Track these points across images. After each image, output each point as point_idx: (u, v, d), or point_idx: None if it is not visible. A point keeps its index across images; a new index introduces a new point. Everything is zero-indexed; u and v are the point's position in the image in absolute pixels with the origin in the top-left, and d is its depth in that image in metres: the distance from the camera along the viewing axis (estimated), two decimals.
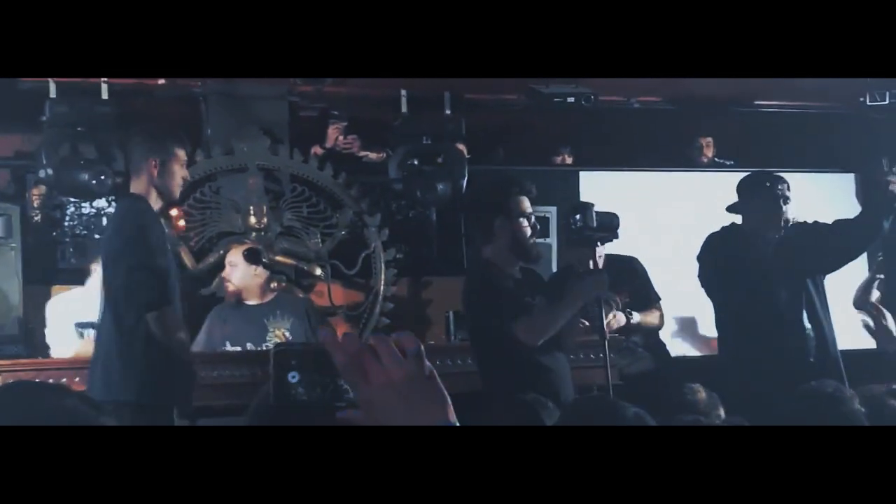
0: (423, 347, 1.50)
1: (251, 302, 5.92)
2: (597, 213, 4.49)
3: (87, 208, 6.76)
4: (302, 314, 5.91)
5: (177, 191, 4.57)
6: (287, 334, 5.83)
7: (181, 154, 4.55)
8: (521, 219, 4.31)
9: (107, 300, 4.37)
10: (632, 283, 5.97)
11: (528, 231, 4.33)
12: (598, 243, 4.49)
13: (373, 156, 7.54)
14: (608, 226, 4.46)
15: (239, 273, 5.91)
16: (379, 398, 1.46)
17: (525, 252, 4.37)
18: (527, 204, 4.35)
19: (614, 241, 4.63)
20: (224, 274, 6.01)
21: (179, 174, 4.53)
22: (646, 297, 6.06)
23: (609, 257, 6.07)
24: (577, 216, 4.44)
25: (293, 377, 1.49)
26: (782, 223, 4.97)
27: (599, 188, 7.58)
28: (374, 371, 1.47)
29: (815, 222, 5.06)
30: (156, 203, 4.47)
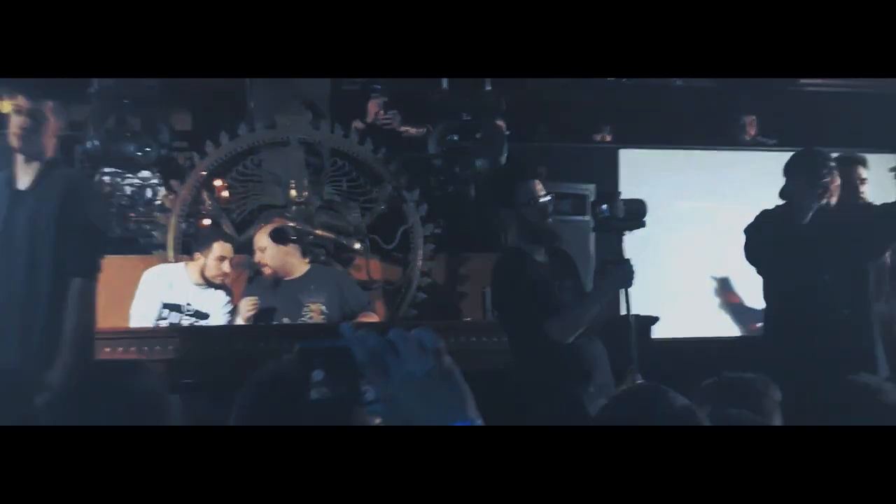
0: (443, 343, 1.51)
1: (286, 278, 5.97)
2: (624, 201, 4.49)
3: (132, 179, 6.83)
4: (335, 288, 5.96)
5: (48, 149, 4.33)
6: (323, 308, 5.88)
7: (50, 107, 4.35)
8: (529, 205, 4.28)
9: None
10: None
11: (540, 214, 4.29)
12: (626, 231, 4.42)
13: (412, 131, 7.56)
14: (635, 214, 4.43)
15: (269, 254, 5.96)
16: (399, 394, 1.48)
17: (540, 236, 4.34)
18: (533, 188, 4.31)
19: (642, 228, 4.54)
20: (257, 259, 6.05)
21: (50, 129, 4.33)
22: None
23: None
24: (604, 206, 4.46)
25: (318, 375, 1.51)
26: (826, 202, 4.93)
27: (639, 166, 7.56)
28: (395, 366, 1.48)
29: (867, 204, 5.01)
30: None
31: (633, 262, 4.28)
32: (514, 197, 4.31)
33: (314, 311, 5.87)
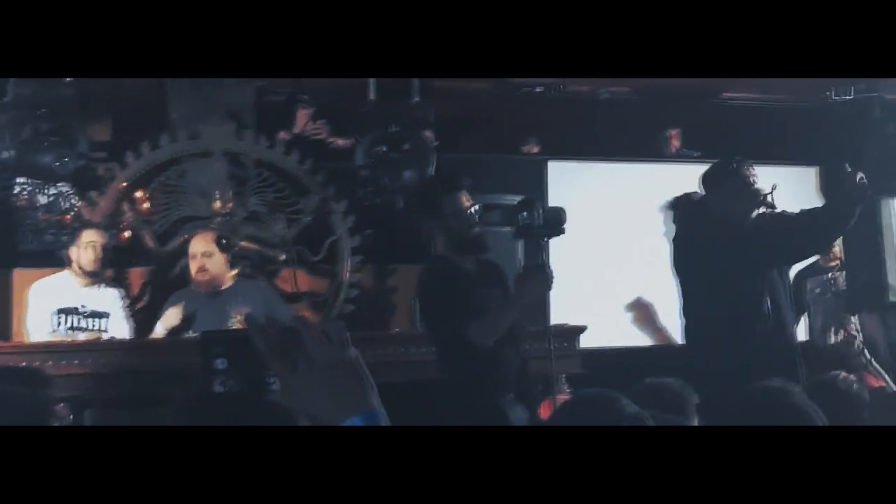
0: (348, 333, 1.50)
1: (213, 289, 5.88)
2: (543, 209, 4.53)
3: (49, 189, 6.70)
4: (261, 301, 5.89)
5: None
6: None
7: None
8: (456, 216, 4.31)
9: None
10: None
11: (466, 225, 4.32)
12: (545, 239, 4.46)
13: (340, 142, 7.52)
14: (554, 221, 4.47)
15: (215, 260, 5.88)
16: (303, 382, 1.47)
17: (467, 246, 4.36)
18: (459, 199, 4.34)
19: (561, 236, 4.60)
20: (198, 265, 5.93)
21: None
22: None
23: None
24: (524, 213, 4.47)
25: (221, 363, 1.49)
26: (752, 206, 4.99)
27: (567, 177, 7.60)
28: (299, 356, 1.47)
29: (783, 212, 5.08)
30: None
31: (552, 268, 4.32)
32: (440, 208, 4.34)
33: (240, 323, 5.79)
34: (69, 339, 5.58)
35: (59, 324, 5.67)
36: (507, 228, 6.67)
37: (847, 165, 4.78)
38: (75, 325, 5.68)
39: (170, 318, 5.70)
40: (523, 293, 4.31)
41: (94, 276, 5.83)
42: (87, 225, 6.00)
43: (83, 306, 5.74)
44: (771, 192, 4.97)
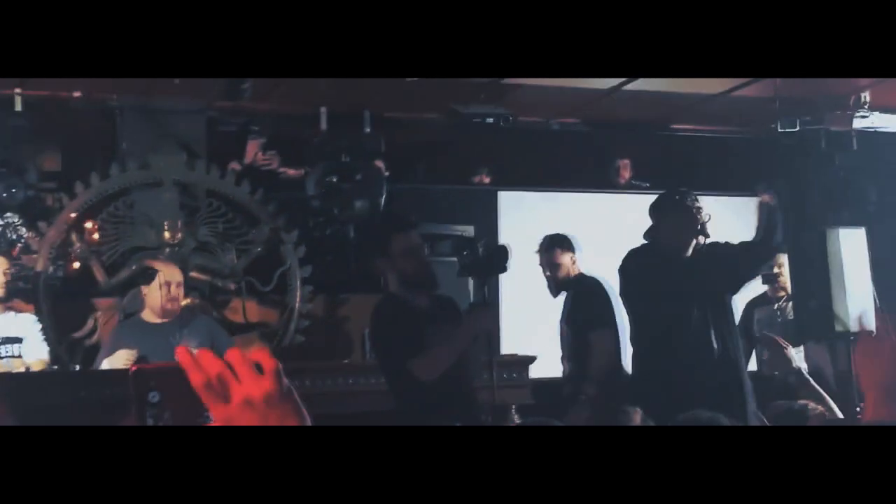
0: (280, 365, 1.50)
1: (158, 320, 5.82)
2: (485, 246, 4.65)
3: None
4: (206, 334, 5.84)
5: None
6: (193, 352, 5.72)
7: None
8: (405, 255, 4.36)
9: None
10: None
11: (416, 265, 4.37)
12: (488, 275, 4.53)
13: (291, 172, 7.50)
14: (496, 260, 4.53)
15: (182, 289, 5.83)
16: (237, 416, 1.46)
17: (417, 283, 4.39)
18: (409, 237, 4.40)
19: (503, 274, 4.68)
20: (172, 294, 5.82)
21: None
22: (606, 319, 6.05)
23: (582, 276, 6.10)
24: (465, 251, 4.60)
25: (153, 397, 1.48)
26: (696, 237, 5.07)
27: (518, 208, 7.64)
28: (232, 388, 1.46)
29: (726, 243, 5.15)
30: None
31: (497, 304, 4.33)
32: (390, 246, 4.38)
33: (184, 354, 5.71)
34: None
35: None
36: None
37: (763, 194, 4.89)
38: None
39: (119, 354, 5.59)
40: (470, 328, 4.36)
41: (10, 309, 5.76)
42: None
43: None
44: (705, 223, 5.07)
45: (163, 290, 5.75)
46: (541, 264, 6.15)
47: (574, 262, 6.15)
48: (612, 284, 5.40)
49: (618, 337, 5.96)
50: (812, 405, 5.25)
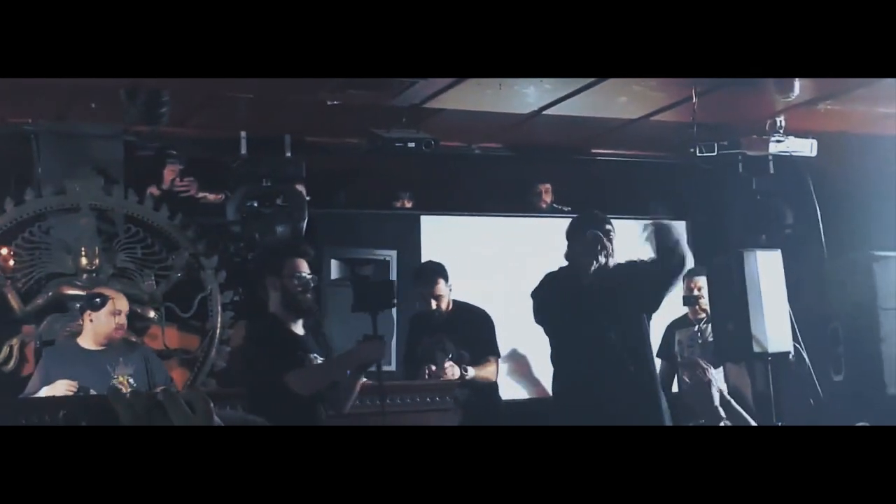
0: (212, 404, 1.50)
1: (96, 347, 5.72)
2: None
3: None
4: (140, 361, 5.76)
5: None
6: (131, 381, 5.65)
7: None
8: (293, 279, 4.59)
9: None
10: (477, 335, 6.13)
11: (299, 290, 4.60)
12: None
13: (211, 197, 7.43)
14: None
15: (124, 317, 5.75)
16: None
17: (295, 309, 4.61)
18: (299, 266, 4.65)
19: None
20: (117, 323, 5.75)
21: None
22: (486, 350, 6.18)
23: (460, 305, 6.18)
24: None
25: None
26: (603, 261, 5.14)
27: (440, 232, 7.64)
28: (162, 426, 1.46)
29: (639, 260, 5.23)
30: None
31: (383, 338, 4.63)
32: (280, 269, 4.62)
33: (122, 384, 5.62)
34: None
35: None
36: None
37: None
38: None
39: (59, 384, 5.45)
40: (356, 357, 4.60)
41: None
42: None
43: None
44: (611, 245, 5.15)
45: (114, 318, 5.71)
46: (423, 295, 6.17)
47: (450, 291, 6.22)
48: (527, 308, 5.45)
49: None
50: (729, 424, 5.35)
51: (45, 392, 5.45)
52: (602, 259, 5.16)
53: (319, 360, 4.67)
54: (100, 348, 5.72)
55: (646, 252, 5.15)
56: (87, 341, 5.74)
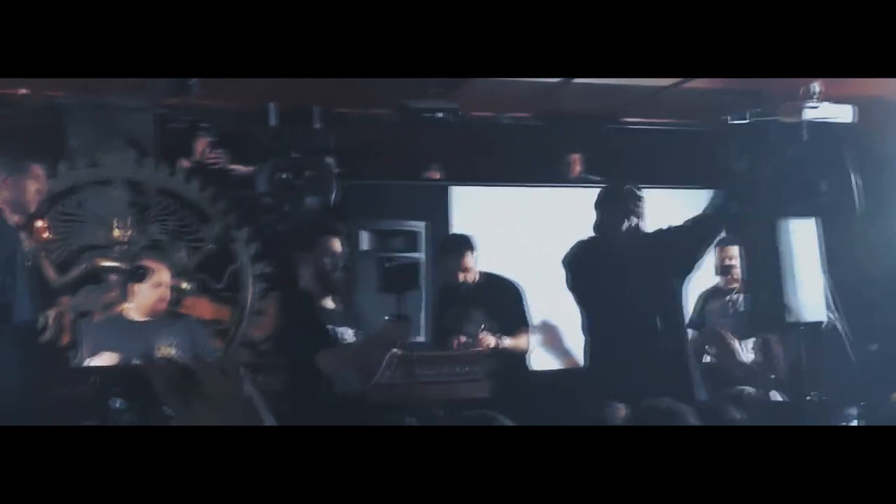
0: (243, 370, 1.51)
1: (142, 319, 5.74)
2: (397, 264, 5.32)
3: None
4: (184, 332, 5.78)
5: (31, 205, 4.52)
6: (173, 351, 5.67)
7: (36, 169, 4.50)
8: (325, 256, 4.79)
9: None
10: (507, 305, 6.11)
11: (330, 267, 4.79)
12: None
13: (241, 169, 7.44)
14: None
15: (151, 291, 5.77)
16: (197, 419, 1.46)
17: (326, 286, 4.81)
18: (331, 243, 4.84)
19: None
20: (158, 296, 5.75)
21: (33, 188, 4.49)
22: (517, 321, 6.15)
23: (489, 276, 6.15)
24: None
25: (117, 403, 1.48)
26: (635, 230, 5.13)
27: (470, 202, 7.63)
28: (195, 395, 1.47)
29: (668, 228, 5.22)
30: (11, 217, 4.41)
31: (409, 318, 4.81)
32: (313, 246, 4.83)
33: (165, 354, 5.65)
34: None
35: None
36: (411, 255, 6.75)
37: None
38: None
39: (104, 356, 5.48)
40: (379, 339, 4.74)
41: None
42: None
43: None
44: (644, 214, 5.13)
45: (158, 290, 5.73)
46: (450, 267, 6.13)
47: (476, 262, 6.18)
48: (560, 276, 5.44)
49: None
50: (749, 389, 5.38)
51: (92, 363, 5.48)
52: (634, 227, 5.15)
53: (350, 332, 4.77)
54: (145, 320, 5.74)
55: (677, 220, 5.15)
56: (132, 313, 5.77)
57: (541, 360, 7.21)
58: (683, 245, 5.16)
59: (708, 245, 5.27)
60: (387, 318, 4.72)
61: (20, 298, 4.34)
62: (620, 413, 3.65)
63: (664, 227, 5.26)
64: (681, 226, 5.18)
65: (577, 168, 8.42)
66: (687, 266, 5.27)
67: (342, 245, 4.86)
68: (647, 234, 5.22)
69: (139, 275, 5.76)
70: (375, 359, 4.63)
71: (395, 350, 4.72)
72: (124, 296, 5.87)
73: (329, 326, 4.72)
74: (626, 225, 5.17)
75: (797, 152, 6.00)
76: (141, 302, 5.73)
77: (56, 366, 5.77)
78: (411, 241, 6.90)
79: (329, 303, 4.79)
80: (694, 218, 5.17)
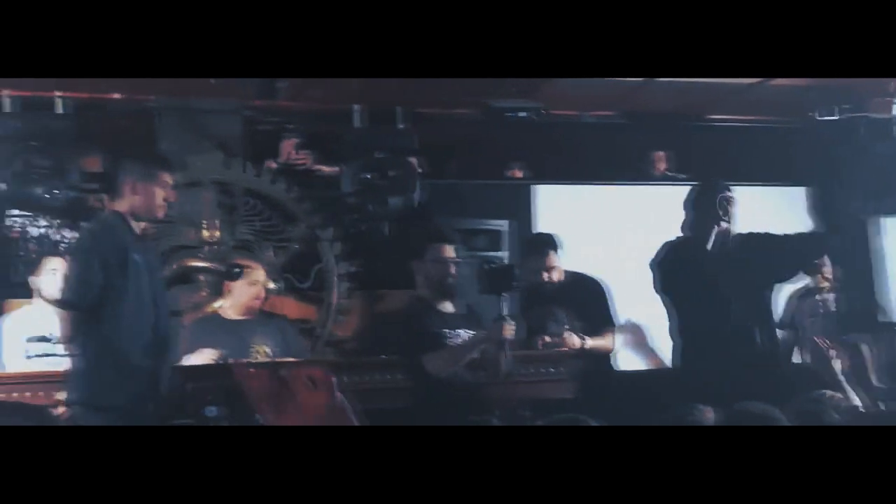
0: (335, 379, 1.53)
1: (238, 317, 5.81)
2: (494, 267, 5.34)
3: (41, 222, 6.69)
4: (277, 332, 5.84)
5: (158, 212, 4.63)
6: (268, 351, 5.72)
7: (165, 177, 4.60)
8: (436, 263, 4.87)
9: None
10: (592, 305, 6.06)
11: (443, 274, 4.88)
12: (500, 293, 4.85)
13: (326, 170, 7.52)
14: (506, 278, 4.95)
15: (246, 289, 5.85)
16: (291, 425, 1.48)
17: (440, 292, 4.90)
18: (444, 251, 4.91)
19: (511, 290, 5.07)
20: (254, 295, 5.83)
21: (161, 196, 4.58)
22: (602, 321, 6.10)
23: (574, 275, 6.12)
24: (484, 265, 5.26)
25: (211, 412, 1.51)
26: (726, 230, 5.07)
27: (554, 201, 7.61)
28: (288, 403, 1.49)
29: (767, 233, 5.14)
30: (137, 225, 4.54)
31: (512, 320, 4.79)
32: (424, 253, 4.90)
33: (260, 354, 5.71)
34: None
35: (32, 354, 5.59)
36: (494, 254, 6.77)
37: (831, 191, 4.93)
38: (46, 352, 5.60)
39: (203, 353, 5.56)
40: (482, 338, 4.82)
41: (62, 304, 5.78)
42: (49, 252, 5.94)
43: (51, 334, 5.67)
44: (733, 214, 5.10)
45: (253, 288, 5.80)
46: (534, 266, 6.08)
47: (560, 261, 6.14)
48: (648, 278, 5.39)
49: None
50: (830, 393, 5.30)
51: (189, 361, 5.57)
52: (725, 229, 5.08)
53: (466, 335, 4.86)
54: (241, 318, 5.79)
55: (768, 220, 5.07)
56: (228, 311, 5.85)
57: (626, 360, 7.17)
58: (784, 259, 5.09)
59: (809, 264, 5.20)
60: (493, 320, 4.79)
61: (131, 303, 4.41)
62: (708, 415, 3.59)
63: (761, 232, 5.17)
64: (781, 238, 5.09)
65: (662, 166, 8.36)
66: (784, 279, 5.21)
67: (455, 252, 4.96)
68: (742, 237, 5.13)
69: (235, 273, 5.81)
70: (475, 360, 4.75)
71: (482, 348, 4.78)
72: (215, 295, 5.96)
73: (446, 330, 4.83)
74: (718, 226, 5.10)
75: (886, 148, 5.92)
76: (237, 300, 5.78)
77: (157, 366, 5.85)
78: (495, 239, 6.91)
79: (448, 307, 4.92)
80: (797, 235, 5.07)
